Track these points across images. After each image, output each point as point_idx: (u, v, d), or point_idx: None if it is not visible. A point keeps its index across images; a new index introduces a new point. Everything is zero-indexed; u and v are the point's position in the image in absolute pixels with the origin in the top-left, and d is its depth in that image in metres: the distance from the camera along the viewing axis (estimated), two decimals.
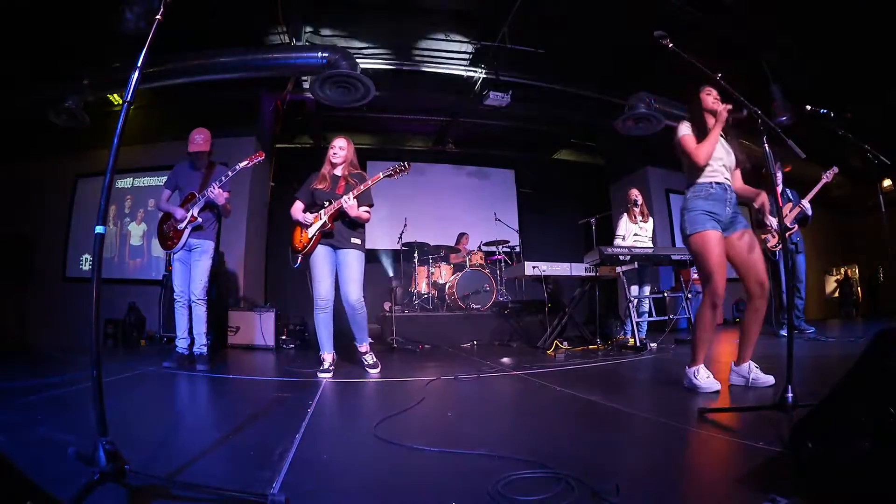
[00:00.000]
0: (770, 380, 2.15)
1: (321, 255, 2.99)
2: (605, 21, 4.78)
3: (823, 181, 4.30)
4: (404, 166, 3.01)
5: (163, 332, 4.89)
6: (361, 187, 2.95)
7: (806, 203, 4.38)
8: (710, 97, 2.24)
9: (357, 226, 3.04)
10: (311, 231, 2.98)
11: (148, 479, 1.06)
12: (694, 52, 1.94)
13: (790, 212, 4.43)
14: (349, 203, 2.87)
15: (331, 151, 3.10)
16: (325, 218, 2.95)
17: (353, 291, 2.98)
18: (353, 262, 2.99)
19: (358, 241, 3.04)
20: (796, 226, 4.46)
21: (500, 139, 7.77)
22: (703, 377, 2.15)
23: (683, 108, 5.73)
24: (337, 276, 3.04)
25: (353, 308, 3.01)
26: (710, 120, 2.22)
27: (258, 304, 5.11)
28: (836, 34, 4.57)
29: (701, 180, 2.21)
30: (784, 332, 4.12)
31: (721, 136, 2.22)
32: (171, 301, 3.51)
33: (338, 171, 3.11)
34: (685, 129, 2.23)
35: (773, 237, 4.47)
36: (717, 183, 2.19)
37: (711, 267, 2.11)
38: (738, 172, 2.33)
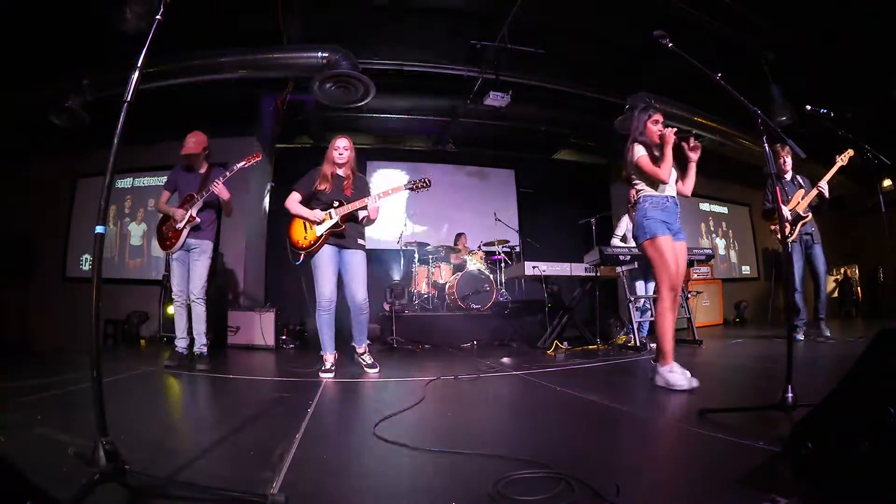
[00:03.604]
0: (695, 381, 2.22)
1: (327, 255, 2.97)
2: (604, 20, 4.78)
3: (839, 164, 3.98)
4: (426, 182, 3.08)
5: (162, 332, 4.89)
6: (390, 191, 3.01)
7: (824, 184, 4.04)
8: (657, 126, 2.47)
9: (361, 227, 3.08)
10: (321, 230, 2.95)
11: (148, 479, 1.06)
12: (694, 52, 1.94)
13: (803, 198, 4.13)
14: (376, 204, 2.95)
15: (335, 152, 3.06)
16: (336, 218, 2.95)
17: (361, 292, 3.00)
18: (360, 262, 3.03)
19: (363, 242, 3.08)
20: (810, 214, 4.15)
21: (500, 139, 7.76)
22: (679, 374, 2.19)
23: (685, 108, 5.76)
24: (340, 276, 3.04)
25: (359, 308, 3.02)
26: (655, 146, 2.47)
27: (258, 304, 5.11)
28: (836, 33, 4.56)
29: (658, 194, 2.48)
30: (799, 337, 4.09)
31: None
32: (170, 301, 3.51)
33: (341, 172, 3.11)
34: (641, 151, 2.46)
35: (786, 227, 4.15)
36: (671, 196, 2.48)
37: (670, 267, 2.35)
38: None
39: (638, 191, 2.53)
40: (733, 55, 4.83)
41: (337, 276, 3.02)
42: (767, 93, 5.20)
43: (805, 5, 4.35)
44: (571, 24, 4.90)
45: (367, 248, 3.12)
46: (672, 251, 2.39)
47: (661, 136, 2.43)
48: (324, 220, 2.96)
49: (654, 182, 2.46)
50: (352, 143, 3.13)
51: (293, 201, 3.03)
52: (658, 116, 2.51)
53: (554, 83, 5.72)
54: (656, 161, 2.42)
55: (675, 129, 2.41)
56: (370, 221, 3.07)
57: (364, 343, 3.14)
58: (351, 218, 3.01)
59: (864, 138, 2.88)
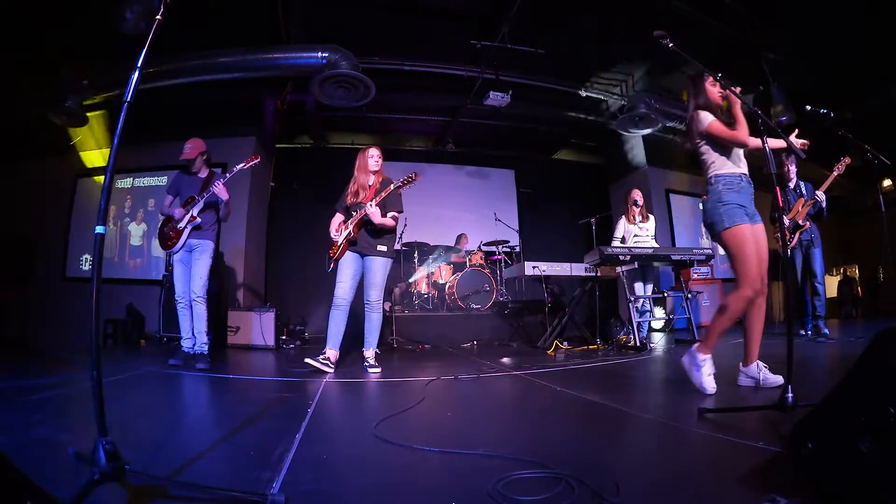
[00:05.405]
0: (779, 379, 2.12)
1: (348, 259, 3.21)
2: (604, 20, 4.78)
3: (836, 172, 4.03)
4: (412, 177, 3.15)
5: (162, 332, 4.89)
6: (383, 194, 3.11)
7: (821, 194, 4.13)
8: (717, 88, 2.22)
9: (383, 233, 3.20)
10: (339, 240, 3.23)
11: (148, 479, 1.06)
12: (694, 52, 1.94)
13: (803, 207, 4.21)
14: (371, 210, 3.04)
15: (370, 160, 3.27)
16: (350, 227, 3.16)
17: (373, 294, 3.18)
18: (377, 268, 3.18)
19: (384, 248, 3.20)
20: (808, 223, 4.23)
21: (500, 139, 7.76)
22: (707, 373, 2.12)
23: (683, 108, 5.76)
24: (362, 278, 3.22)
25: (370, 308, 3.19)
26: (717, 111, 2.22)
27: (258, 304, 5.11)
28: (836, 33, 4.56)
29: (731, 172, 2.19)
30: (803, 332, 4.11)
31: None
32: (171, 301, 3.52)
33: (370, 180, 3.26)
34: (710, 117, 2.19)
35: (786, 234, 4.22)
36: (744, 174, 2.19)
37: (751, 261, 2.08)
38: None
39: (709, 167, 2.23)
40: (733, 55, 4.83)
41: (356, 280, 3.21)
42: (767, 93, 5.20)
43: (805, 5, 4.35)
44: (571, 23, 4.90)
45: (391, 252, 3.24)
46: (754, 242, 2.11)
47: (726, 98, 2.17)
48: (342, 232, 3.21)
49: (730, 151, 2.18)
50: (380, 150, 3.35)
51: (332, 222, 3.32)
52: (712, 79, 2.22)
53: (554, 83, 5.72)
54: (730, 125, 2.13)
55: (739, 88, 2.11)
56: (387, 227, 3.17)
57: (371, 348, 3.20)
58: (364, 225, 3.16)
59: (864, 138, 2.88)
